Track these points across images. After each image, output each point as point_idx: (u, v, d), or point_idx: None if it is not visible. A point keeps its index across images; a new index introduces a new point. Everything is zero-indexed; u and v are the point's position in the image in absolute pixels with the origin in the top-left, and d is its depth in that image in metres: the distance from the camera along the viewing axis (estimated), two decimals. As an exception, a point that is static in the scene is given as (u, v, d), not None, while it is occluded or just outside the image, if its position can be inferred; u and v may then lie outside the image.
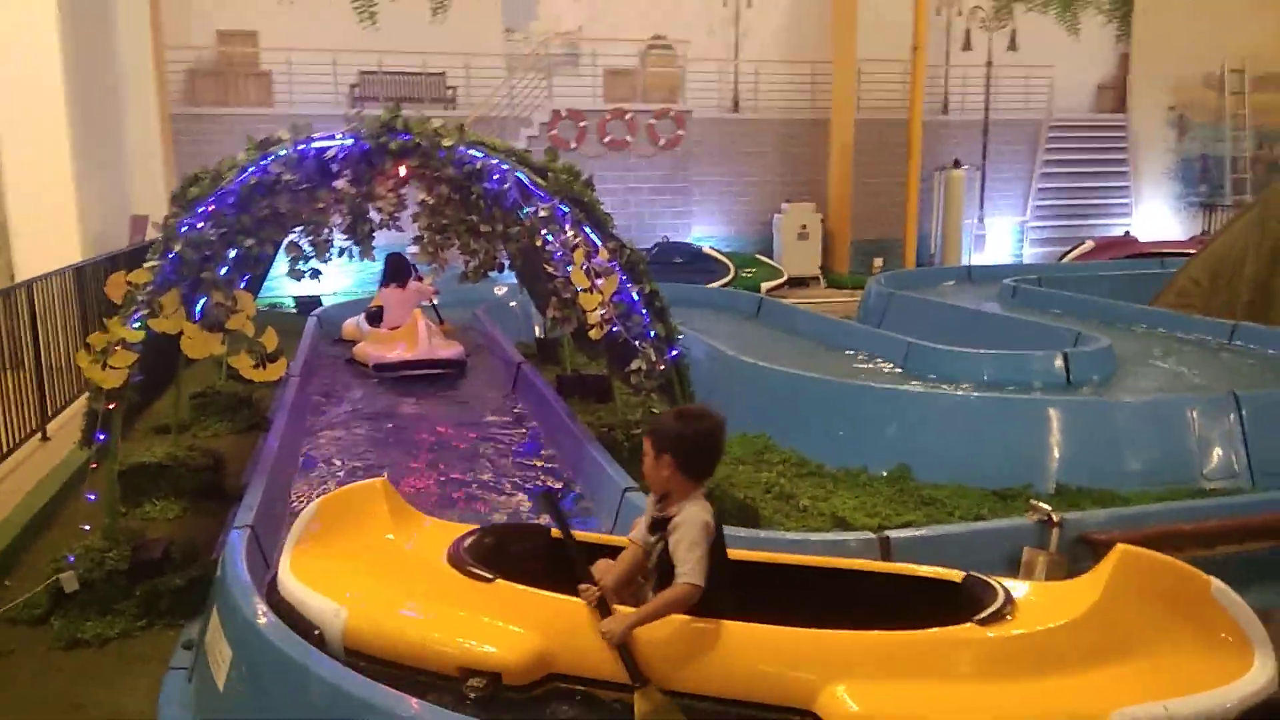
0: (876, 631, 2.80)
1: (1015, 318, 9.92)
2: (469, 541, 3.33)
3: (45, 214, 8.82)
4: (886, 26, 17.76)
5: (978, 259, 18.58)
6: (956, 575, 3.05)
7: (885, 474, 5.88)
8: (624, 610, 2.92)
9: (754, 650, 2.85)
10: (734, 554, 3.18)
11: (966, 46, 18.67)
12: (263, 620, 2.99)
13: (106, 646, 3.79)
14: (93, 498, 4.22)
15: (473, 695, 2.87)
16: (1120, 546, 2.93)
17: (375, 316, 9.13)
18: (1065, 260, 17.27)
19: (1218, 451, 5.92)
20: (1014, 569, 4.03)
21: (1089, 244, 17.54)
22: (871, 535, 3.99)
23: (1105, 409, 6.29)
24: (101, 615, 3.94)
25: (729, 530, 4.06)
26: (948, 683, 2.70)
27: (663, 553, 2.97)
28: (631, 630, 2.85)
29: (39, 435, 6.63)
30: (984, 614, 2.79)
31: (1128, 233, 19.30)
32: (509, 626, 2.99)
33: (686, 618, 2.89)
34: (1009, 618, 2.79)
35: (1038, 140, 19.98)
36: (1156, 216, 19.98)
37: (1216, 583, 2.83)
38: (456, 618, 3.07)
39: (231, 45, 16.43)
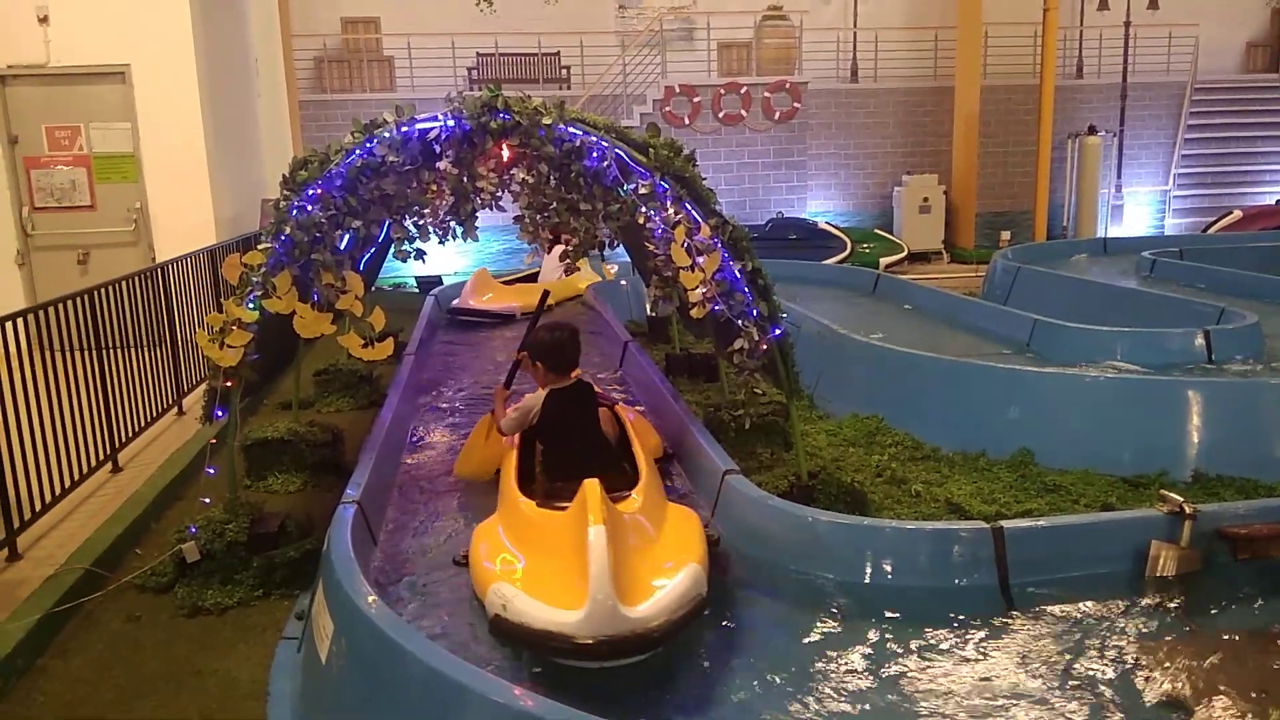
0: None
1: (1153, 293, 9.35)
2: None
3: (183, 199, 9.30)
4: (1015, -12, 16.98)
5: (1114, 231, 17.61)
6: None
7: (1006, 459, 5.61)
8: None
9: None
10: None
11: (1103, 6, 17.63)
12: (365, 596, 3.05)
13: (225, 615, 3.95)
14: (212, 472, 4.39)
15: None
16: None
17: (532, 277, 10.90)
18: (1209, 231, 16.23)
19: (1379, 438, 5.41)
20: (1142, 563, 3.76)
21: (1236, 214, 16.44)
22: (985, 526, 3.79)
23: (1250, 390, 5.83)
24: (222, 585, 4.11)
25: (832, 516, 3.99)
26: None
27: None
28: (497, 415, 4.85)
29: (175, 410, 6.99)
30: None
31: (1279, 201, 17.99)
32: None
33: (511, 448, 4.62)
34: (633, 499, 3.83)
35: (1181, 104, 18.74)
36: (1314, 183, 18.59)
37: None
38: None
39: (355, 32, 16.94)
